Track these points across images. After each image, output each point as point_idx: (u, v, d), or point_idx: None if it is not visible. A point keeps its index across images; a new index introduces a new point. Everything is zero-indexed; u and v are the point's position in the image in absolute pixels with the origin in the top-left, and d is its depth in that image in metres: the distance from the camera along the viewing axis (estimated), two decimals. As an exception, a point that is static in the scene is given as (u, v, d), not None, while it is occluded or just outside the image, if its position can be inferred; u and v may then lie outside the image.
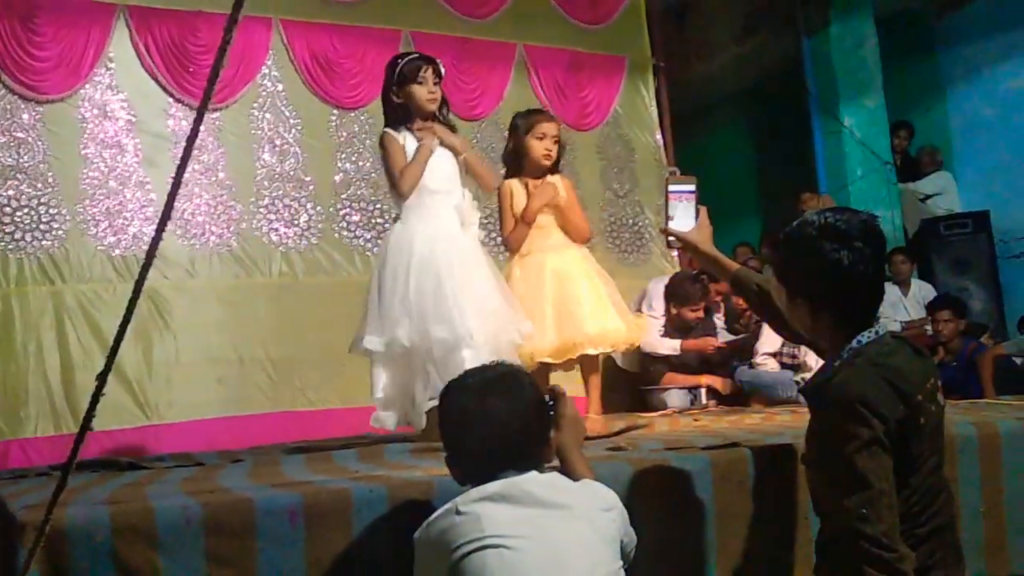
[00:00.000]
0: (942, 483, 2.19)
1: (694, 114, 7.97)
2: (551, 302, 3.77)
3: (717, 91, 8.63)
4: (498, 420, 2.03)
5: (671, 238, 2.63)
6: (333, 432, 4.53)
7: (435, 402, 3.31)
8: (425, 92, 3.56)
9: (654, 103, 6.64)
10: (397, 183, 3.54)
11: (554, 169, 3.91)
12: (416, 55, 3.67)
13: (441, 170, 3.57)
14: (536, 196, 3.81)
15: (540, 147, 3.82)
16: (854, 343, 2.15)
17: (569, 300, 3.78)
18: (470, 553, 1.89)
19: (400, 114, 3.60)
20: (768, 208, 8.57)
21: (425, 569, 1.99)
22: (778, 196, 8.07)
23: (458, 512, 1.94)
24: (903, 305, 7.28)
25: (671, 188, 2.64)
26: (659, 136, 6.62)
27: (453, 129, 3.71)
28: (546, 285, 3.78)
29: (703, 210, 2.64)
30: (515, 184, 3.88)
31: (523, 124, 3.88)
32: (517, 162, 3.91)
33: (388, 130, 3.60)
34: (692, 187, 2.65)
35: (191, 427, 4.68)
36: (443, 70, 3.67)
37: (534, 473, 2.02)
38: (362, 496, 2.28)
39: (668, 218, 2.62)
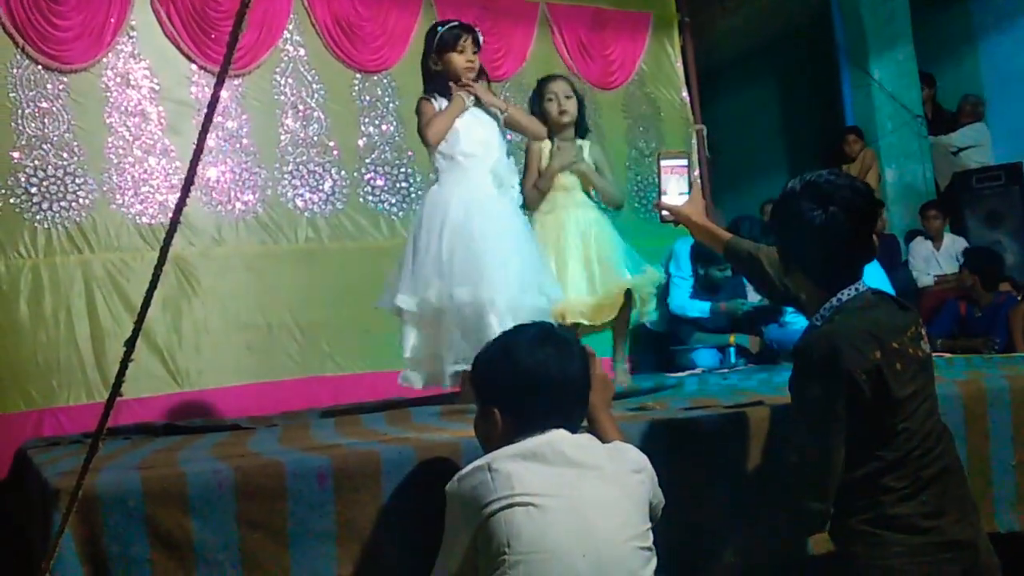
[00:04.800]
0: (941, 427, 2.25)
1: (720, 70, 7.87)
2: (581, 260, 3.79)
3: (744, 46, 8.51)
4: (550, 376, 2.03)
5: (664, 212, 2.74)
6: (361, 396, 4.55)
7: (459, 366, 3.34)
8: (463, 60, 3.57)
9: (679, 60, 6.56)
10: (424, 133, 3.54)
11: (581, 129, 3.95)
12: (456, 23, 3.65)
13: (477, 133, 3.56)
14: (555, 159, 3.85)
15: (553, 108, 3.88)
16: (834, 301, 2.19)
17: (594, 260, 3.79)
18: (500, 510, 1.90)
19: (438, 82, 3.60)
20: (796, 164, 8.48)
21: (455, 521, 2.00)
22: (806, 152, 7.99)
23: (490, 469, 1.95)
24: (936, 259, 7.21)
25: (663, 163, 2.76)
26: (685, 93, 6.54)
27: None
28: (566, 242, 3.80)
29: (696, 183, 2.73)
30: (545, 144, 3.93)
31: (537, 91, 3.98)
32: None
33: (425, 96, 3.60)
34: (684, 161, 2.78)
35: (221, 394, 4.70)
36: (482, 39, 3.67)
37: (566, 433, 2.01)
38: (390, 458, 2.30)
39: (661, 192, 2.74)
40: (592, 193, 3.93)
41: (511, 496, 1.91)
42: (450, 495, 2.01)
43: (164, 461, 2.43)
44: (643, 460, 2.10)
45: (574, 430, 2.05)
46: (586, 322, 3.72)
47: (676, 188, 2.73)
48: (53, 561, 1.88)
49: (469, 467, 1.99)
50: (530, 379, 2.03)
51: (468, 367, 3.28)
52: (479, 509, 1.92)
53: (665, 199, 2.73)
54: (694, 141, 6.44)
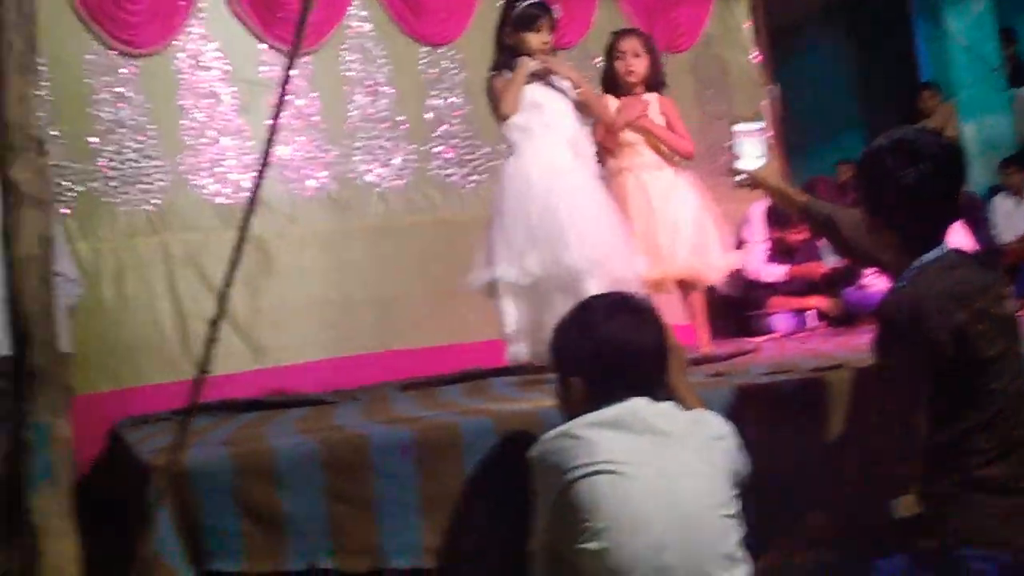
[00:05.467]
0: None
1: (790, 28, 7.71)
2: (644, 227, 3.79)
3: (814, 2, 8.32)
4: (629, 344, 2.03)
5: (740, 176, 2.76)
6: (437, 368, 4.58)
7: None
8: (539, 40, 3.53)
9: (748, 20, 6.44)
10: (497, 109, 3.53)
11: (653, 85, 3.90)
12: (535, 1, 3.60)
13: (552, 105, 3.54)
14: (619, 112, 3.84)
15: (621, 66, 3.90)
16: (917, 262, 2.14)
17: (663, 231, 3.80)
18: (582, 477, 1.91)
19: (510, 58, 3.57)
20: (871, 122, 8.29)
21: (538, 487, 2.01)
22: (881, 109, 7.81)
23: (572, 436, 1.95)
24: (1018, 216, 7.02)
25: (738, 128, 2.82)
26: (754, 54, 6.43)
27: None
28: (633, 209, 3.80)
29: (772, 147, 2.70)
30: (611, 101, 3.93)
31: (607, 47, 3.99)
32: (612, 84, 3.99)
33: (495, 72, 3.58)
34: (759, 125, 2.85)
35: (300, 369, 4.78)
36: (557, 17, 3.64)
37: (647, 401, 2.01)
38: (471, 430, 2.32)
39: (735, 157, 2.78)
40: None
41: (594, 464, 1.91)
42: (532, 462, 2.03)
43: (251, 436, 2.49)
44: (726, 427, 2.09)
45: (655, 398, 2.05)
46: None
47: (752, 152, 2.74)
48: (151, 535, 1.94)
49: (550, 433, 2.00)
50: (607, 348, 2.03)
51: None
52: (561, 475, 1.93)
53: (741, 164, 2.75)
54: (765, 102, 6.33)
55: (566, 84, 3.61)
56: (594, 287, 3.18)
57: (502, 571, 2.22)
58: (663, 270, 3.81)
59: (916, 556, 2.11)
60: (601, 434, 1.94)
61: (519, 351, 3.46)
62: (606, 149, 3.87)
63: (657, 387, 2.09)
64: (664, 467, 1.94)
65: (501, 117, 3.54)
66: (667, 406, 2.05)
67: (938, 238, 2.20)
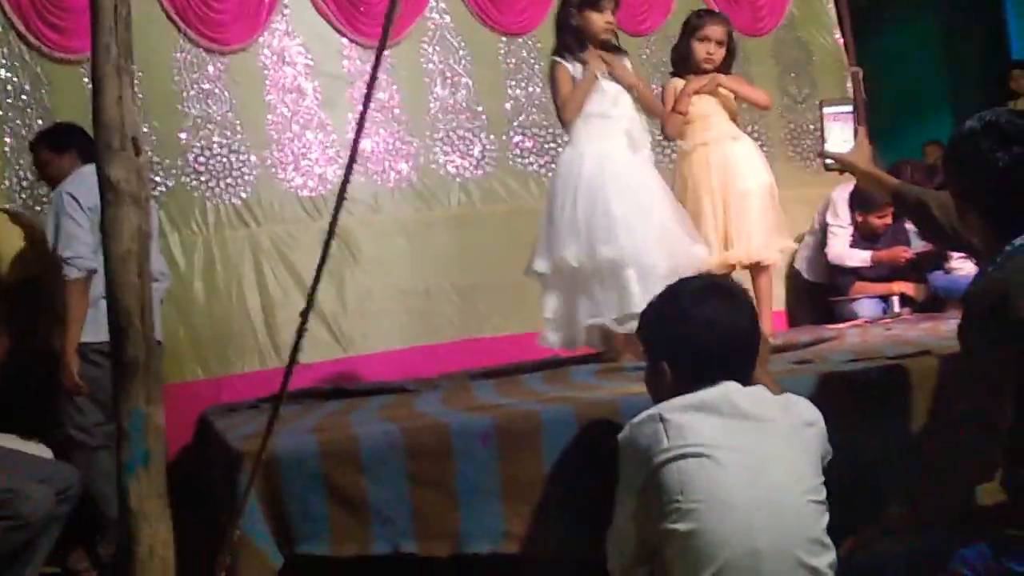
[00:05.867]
0: None
1: (874, 7, 7.55)
2: (718, 206, 3.79)
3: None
4: (720, 327, 2.04)
5: (828, 160, 2.68)
6: (518, 356, 4.62)
7: (595, 320, 3.37)
8: (603, 20, 3.54)
9: (831, 0, 6.33)
10: (561, 110, 3.56)
11: (721, 71, 3.95)
12: None
13: (609, 95, 3.54)
14: (689, 82, 3.87)
15: (702, 49, 3.88)
16: (1008, 248, 2.09)
17: (736, 208, 3.80)
18: (672, 460, 1.92)
19: (573, 39, 3.57)
20: (959, 102, 8.07)
21: (627, 469, 2.03)
22: (970, 88, 7.60)
23: (662, 419, 1.96)
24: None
25: (826, 110, 2.71)
26: (838, 35, 6.31)
27: (622, 53, 3.69)
28: (713, 183, 3.80)
29: (861, 130, 2.69)
30: (679, 82, 3.94)
31: (691, 25, 3.96)
32: (682, 63, 3.99)
33: (557, 59, 3.57)
34: (848, 108, 2.72)
35: (384, 357, 4.87)
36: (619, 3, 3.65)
37: (738, 385, 2.01)
38: (550, 417, 2.35)
39: (824, 140, 2.69)
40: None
41: (684, 447, 1.92)
42: (622, 443, 2.04)
43: (336, 424, 2.55)
44: (816, 413, 2.07)
45: (745, 383, 2.05)
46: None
47: (840, 136, 2.67)
48: (242, 519, 2.00)
49: (641, 416, 2.01)
50: (698, 331, 2.04)
51: (602, 322, 3.36)
52: (650, 458, 1.94)
53: (829, 147, 2.68)
54: (850, 84, 6.22)
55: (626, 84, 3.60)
56: (634, 278, 3.26)
57: (582, 557, 2.24)
58: (733, 253, 3.82)
59: (1000, 544, 2.08)
60: (691, 417, 1.95)
61: (552, 338, 3.56)
62: (674, 124, 3.89)
63: (747, 372, 2.08)
64: (754, 451, 1.94)
65: (563, 119, 3.58)
66: (758, 389, 2.05)
67: None
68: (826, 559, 1.95)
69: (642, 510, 1.98)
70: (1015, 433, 2.07)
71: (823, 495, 1.99)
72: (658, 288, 3.25)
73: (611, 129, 3.52)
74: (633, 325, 3.24)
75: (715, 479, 1.90)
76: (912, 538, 2.24)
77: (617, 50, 3.66)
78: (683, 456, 1.91)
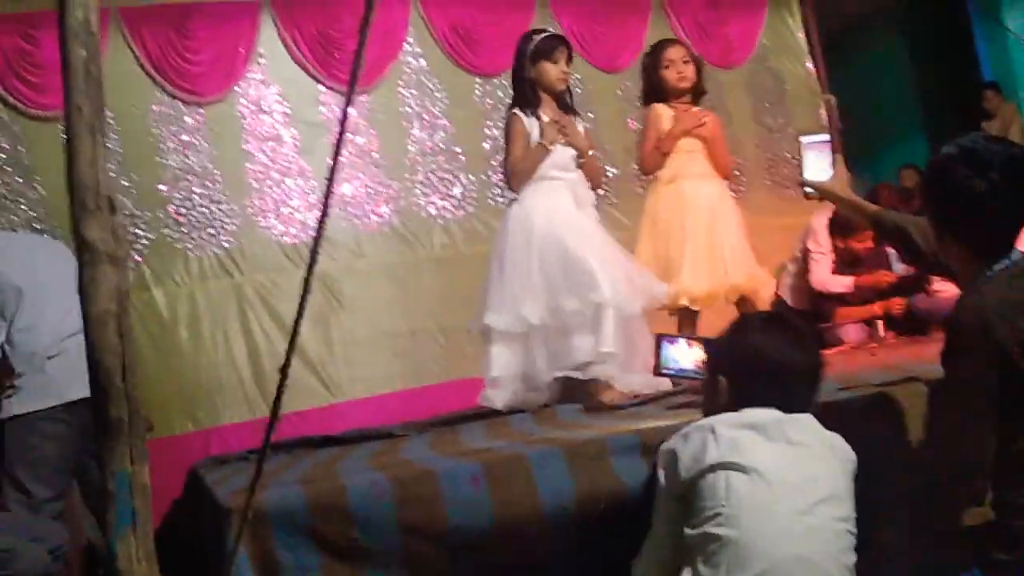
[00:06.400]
0: None
1: (844, 33, 7.64)
2: (698, 240, 3.80)
3: (867, 5, 8.23)
4: (771, 356, 2.11)
5: (808, 189, 2.74)
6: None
7: (563, 372, 3.34)
8: (557, 71, 3.53)
9: (801, 29, 6.40)
10: (510, 175, 3.55)
11: (698, 94, 3.98)
12: (551, 33, 3.66)
13: (559, 156, 3.51)
14: (680, 121, 3.88)
15: (672, 74, 3.90)
16: (987, 272, 2.11)
17: (718, 244, 3.82)
18: (718, 468, 1.97)
19: (529, 92, 3.55)
20: (934, 125, 8.17)
21: (671, 476, 2.06)
22: (943, 111, 7.69)
23: (713, 431, 2.02)
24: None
25: (804, 140, 2.79)
26: (810, 64, 6.39)
27: (575, 114, 3.68)
28: (690, 218, 3.82)
29: (839, 157, 2.73)
30: (663, 108, 3.96)
31: (650, 61, 3.99)
32: (658, 95, 3.98)
33: (517, 112, 3.55)
34: (825, 137, 2.82)
35: (373, 402, 4.86)
36: (573, 55, 3.66)
37: (788, 414, 2.06)
38: (539, 458, 2.34)
39: (803, 169, 2.76)
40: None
41: (732, 459, 1.97)
42: (666, 451, 2.09)
43: (324, 474, 2.53)
44: (851, 451, 2.12)
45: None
46: (694, 307, 3.78)
47: (818, 164, 2.75)
48: (232, 574, 1.99)
49: (690, 427, 2.08)
50: (757, 356, 2.12)
51: (571, 374, 3.33)
52: (698, 464, 1.99)
53: (808, 175, 2.74)
54: (824, 111, 6.29)
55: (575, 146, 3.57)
56: (610, 318, 3.24)
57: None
58: (723, 282, 3.83)
59: (989, 567, 2.08)
60: (741, 434, 2.01)
61: (495, 396, 3.45)
62: (655, 160, 3.91)
63: (799, 406, 2.11)
64: (800, 473, 1.99)
65: (509, 176, 3.56)
66: (807, 419, 2.09)
67: (1008, 247, 2.17)
68: None
69: (682, 515, 2.02)
70: (1006, 456, 2.08)
71: (855, 528, 2.03)
72: (629, 328, 3.31)
73: (558, 187, 3.50)
74: (601, 369, 3.27)
75: (760, 492, 1.95)
76: (905, 563, 2.25)
77: (572, 111, 3.66)
78: (731, 467, 1.97)
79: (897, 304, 5.15)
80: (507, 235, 3.52)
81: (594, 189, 3.67)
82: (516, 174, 3.51)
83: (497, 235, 3.68)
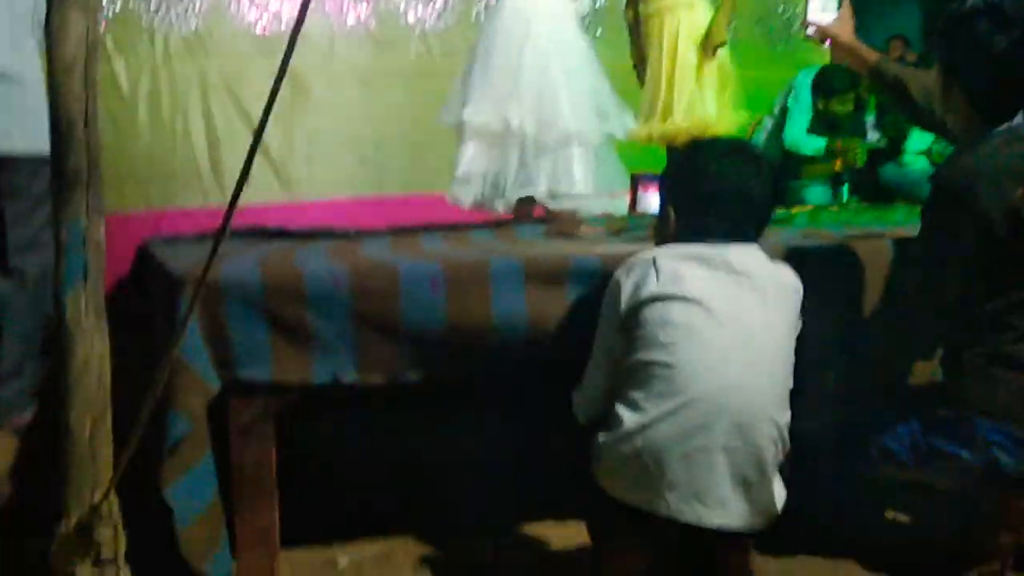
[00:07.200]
0: None
1: None
2: (675, 76, 3.68)
3: None
4: (731, 185, 2.07)
5: (809, 29, 2.66)
6: (467, 214, 4.58)
7: (525, 191, 3.28)
8: None
9: None
10: None
11: None
12: None
13: None
14: None
15: None
16: (986, 134, 2.08)
17: (694, 76, 3.70)
18: (658, 299, 1.98)
19: None
20: (926, -1, 8.01)
21: (612, 305, 2.08)
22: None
23: (655, 263, 2.02)
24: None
25: None
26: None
27: None
28: (666, 54, 3.68)
29: (846, 4, 2.62)
30: None
31: None
32: None
33: None
34: None
35: (331, 205, 4.79)
36: None
37: (737, 244, 2.05)
38: (499, 267, 2.33)
39: (808, 8, 2.69)
40: None
41: (673, 290, 1.98)
42: (612, 282, 2.10)
43: (282, 259, 2.50)
44: (798, 282, 2.12)
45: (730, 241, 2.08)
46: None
47: (823, 4, 2.66)
48: (180, 343, 1.97)
49: (635, 258, 2.07)
50: (708, 186, 2.08)
51: (534, 193, 3.28)
52: (638, 295, 2.00)
53: (811, 15, 2.66)
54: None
55: None
56: (578, 156, 3.19)
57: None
58: (675, 123, 3.73)
59: (930, 423, 2.13)
60: (683, 265, 2.01)
61: (462, 192, 3.39)
62: None
63: (750, 234, 2.11)
64: (739, 303, 1.99)
65: None
66: (752, 249, 2.09)
67: (1013, 111, 2.13)
68: (786, 417, 2.02)
69: (619, 343, 2.04)
70: (965, 319, 2.10)
71: (793, 359, 2.05)
72: (591, 160, 3.24)
73: None
74: (566, 203, 3.23)
75: (698, 322, 1.96)
76: (843, 410, 2.30)
77: None
78: (671, 298, 1.97)
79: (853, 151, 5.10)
80: (495, 29, 3.36)
81: None
82: None
83: (486, 24, 3.53)
